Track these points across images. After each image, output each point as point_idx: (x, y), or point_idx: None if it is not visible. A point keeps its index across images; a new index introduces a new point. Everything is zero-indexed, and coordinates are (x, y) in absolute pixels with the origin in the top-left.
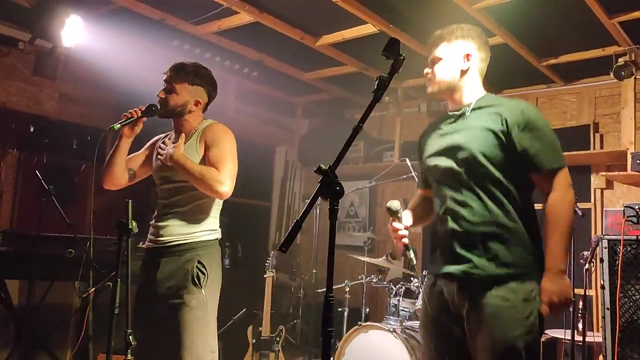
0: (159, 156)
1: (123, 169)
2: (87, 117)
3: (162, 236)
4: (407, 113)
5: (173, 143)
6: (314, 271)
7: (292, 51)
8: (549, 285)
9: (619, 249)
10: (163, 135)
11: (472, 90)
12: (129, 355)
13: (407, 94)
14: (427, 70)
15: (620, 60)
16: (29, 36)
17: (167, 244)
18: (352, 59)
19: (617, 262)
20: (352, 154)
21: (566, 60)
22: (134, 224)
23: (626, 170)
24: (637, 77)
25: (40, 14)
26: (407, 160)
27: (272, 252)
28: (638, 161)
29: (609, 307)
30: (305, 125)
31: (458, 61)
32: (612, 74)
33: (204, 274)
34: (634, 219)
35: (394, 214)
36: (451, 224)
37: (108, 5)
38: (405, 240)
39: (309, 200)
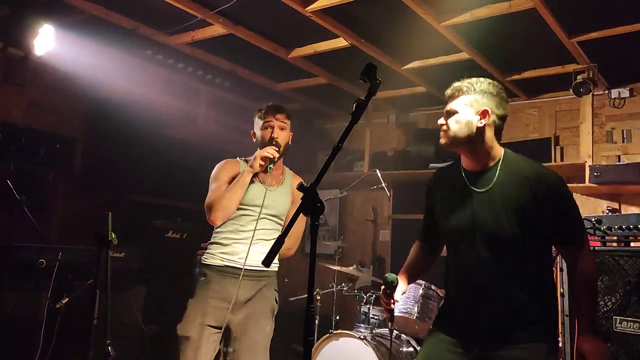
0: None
1: None
2: (57, 125)
3: (236, 259)
4: (377, 124)
5: (260, 182)
6: (286, 280)
7: (264, 62)
8: (592, 348)
9: None
10: (232, 161)
11: (490, 150)
12: None
13: (376, 105)
14: (441, 121)
15: (579, 78)
16: (1, 44)
17: (248, 267)
18: (324, 71)
19: None
20: (323, 163)
21: (529, 76)
22: (114, 235)
23: (584, 182)
24: (594, 93)
25: (12, 23)
26: (377, 171)
27: None
28: (595, 174)
29: (567, 314)
30: None
31: (475, 117)
32: (571, 90)
33: (277, 303)
34: (591, 231)
35: (389, 287)
36: (476, 296)
37: (80, 13)
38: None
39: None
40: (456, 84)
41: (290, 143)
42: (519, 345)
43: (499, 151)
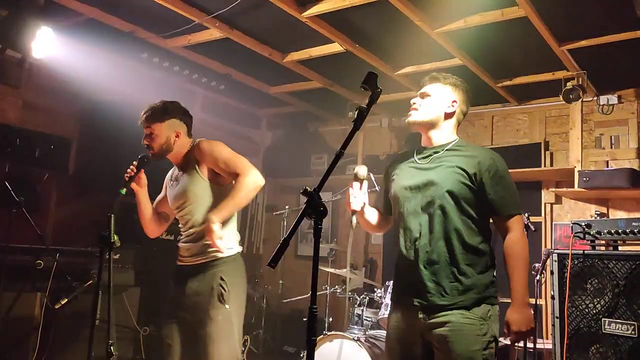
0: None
1: (155, 218)
2: (51, 126)
3: (186, 256)
4: (370, 128)
5: (176, 179)
6: (280, 282)
7: (259, 66)
8: (516, 316)
9: (567, 262)
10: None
11: (449, 134)
12: None
13: (370, 110)
14: (415, 100)
15: (569, 84)
16: None
17: (192, 264)
18: (318, 75)
19: (565, 274)
20: (316, 166)
21: (520, 82)
22: (116, 237)
23: (573, 187)
24: (583, 100)
25: (10, 25)
26: (371, 174)
27: None
28: (584, 178)
29: (558, 316)
30: (270, 137)
31: (445, 103)
32: (561, 97)
33: (226, 290)
34: (581, 235)
35: (359, 180)
36: (420, 255)
37: (78, 16)
38: (355, 208)
39: (293, 218)
40: (434, 74)
41: (167, 141)
42: (459, 310)
43: (455, 138)
